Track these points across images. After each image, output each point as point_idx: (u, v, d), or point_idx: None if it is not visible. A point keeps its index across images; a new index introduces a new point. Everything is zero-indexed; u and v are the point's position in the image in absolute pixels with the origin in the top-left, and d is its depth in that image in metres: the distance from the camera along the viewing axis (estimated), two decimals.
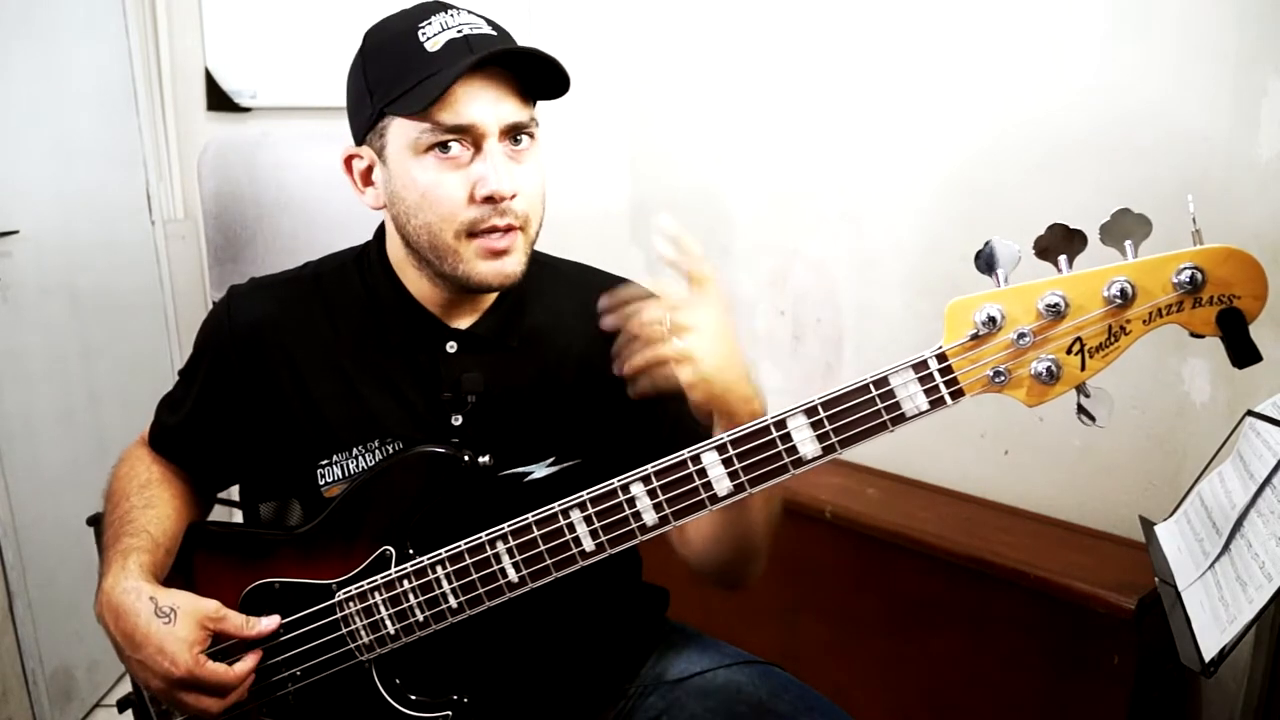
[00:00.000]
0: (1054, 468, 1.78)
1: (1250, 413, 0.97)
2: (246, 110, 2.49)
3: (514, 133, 0.96)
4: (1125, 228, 0.77)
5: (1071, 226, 0.78)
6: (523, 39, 0.98)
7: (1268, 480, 0.88)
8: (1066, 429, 1.72)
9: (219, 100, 2.48)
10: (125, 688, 1.18)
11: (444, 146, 0.93)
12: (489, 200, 0.93)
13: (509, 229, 0.96)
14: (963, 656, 1.66)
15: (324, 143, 1.07)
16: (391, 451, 1.02)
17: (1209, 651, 0.84)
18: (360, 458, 1.03)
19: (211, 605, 0.97)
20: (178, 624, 0.94)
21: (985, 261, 0.81)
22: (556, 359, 1.07)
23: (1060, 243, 0.78)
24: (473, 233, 0.95)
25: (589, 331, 1.08)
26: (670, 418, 1.09)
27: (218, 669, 0.94)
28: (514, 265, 0.98)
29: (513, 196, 0.95)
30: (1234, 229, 1.45)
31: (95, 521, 1.17)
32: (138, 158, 2.41)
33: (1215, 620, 0.86)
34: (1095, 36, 1.65)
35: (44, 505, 1.96)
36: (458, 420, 1.02)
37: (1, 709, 1.86)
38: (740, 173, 2.31)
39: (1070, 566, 1.53)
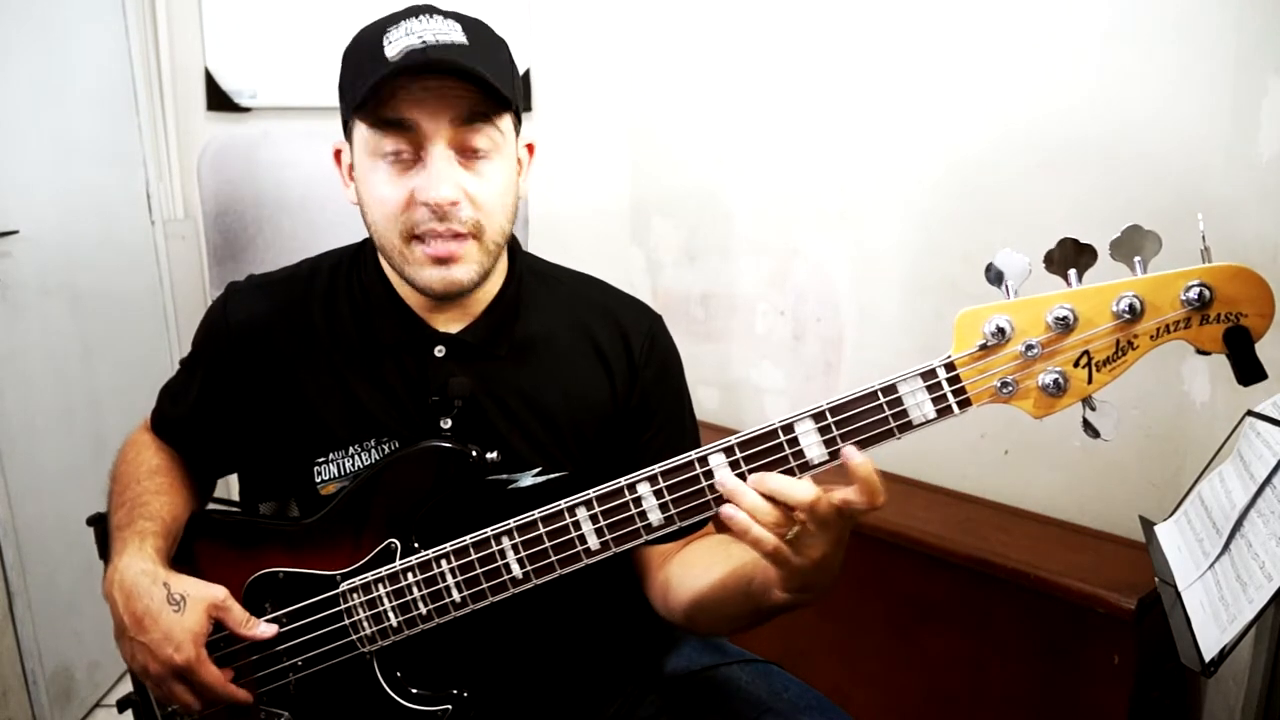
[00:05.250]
0: (1054, 468, 1.78)
1: (1250, 413, 0.97)
2: (246, 110, 2.49)
3: (467, 141, 0.95)
4: (1135, 243, 0.78)
5: (1081, 241, 0.78)
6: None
7: (1268, 480, 0.88)
8: (1066, 430, 1.71)
9: (219, 100, 2.48)
10: (125, 687, 1.18)
11: (395, 153, 0.94)
12: (426, 205, 0.93)
13: (455, 235, 0.95)
14: (963, 656, 1.66)
15: (324, 143, 1.07)
16: (388, 450, 1.03)
17: (1209, 651, 0.84)
18: (356, 456, 1.03)
19: (220, 594, 0.98)
20: (186, 613, 0.95)
21: (995, 274, 0.81)
22: (548, 370, 1.07)
23: (1070, 256, 0.79)
24: (416, 236, 0.95)
25: (583, 345, 1.08)
26: (661, 434, 1.10)
27: (214, 673, 0.96)
28: (464, 273, 0.97)
29: (452, 204, 0.94)
30: (1234, 229, 1.45)
31: (95, 521, 1.17)
32: (138, 158, 2.41)
33: (1215, 620, 0.86)
34: (1095, 37, 1.65)
35: (44, 505, 1.96)
36: (446, 424, 1.02)
37: (1, 709, 1.86)
38: (740, 173, 2.31)
39: (1070, 566, 1.54)
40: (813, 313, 2.20)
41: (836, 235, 2.12)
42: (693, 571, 1.02)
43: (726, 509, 0.83)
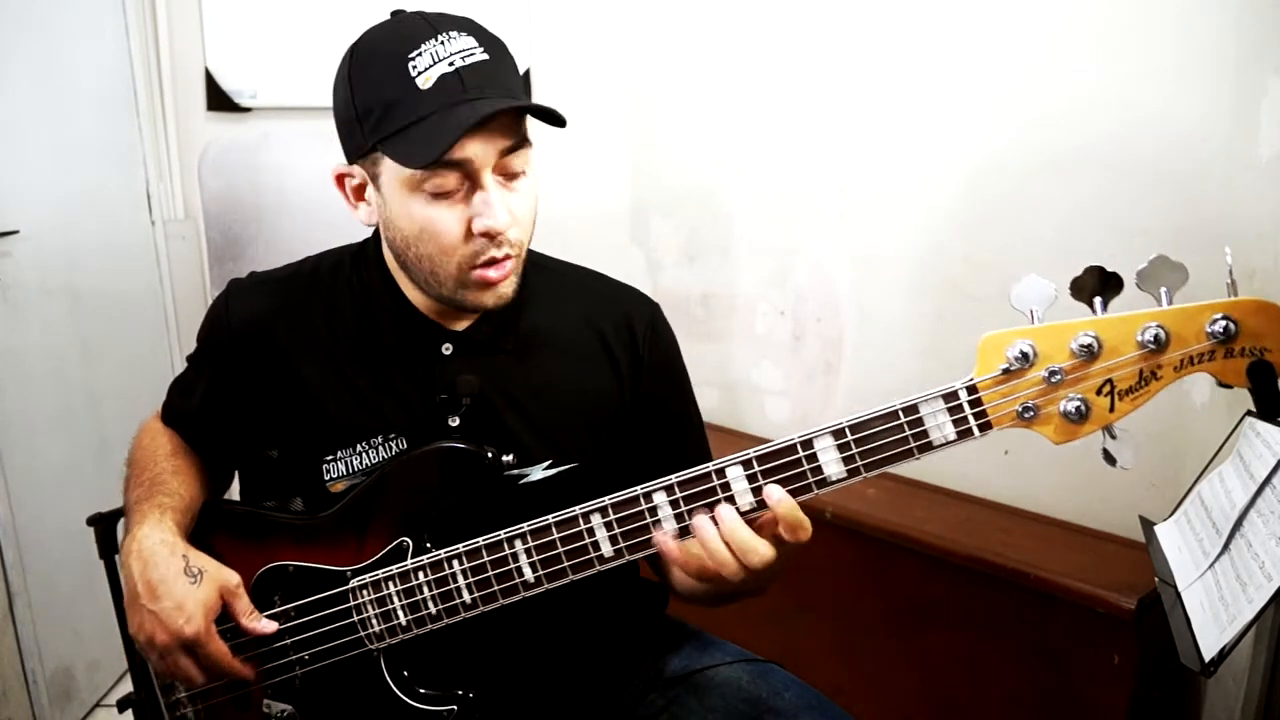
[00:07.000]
0: (1054, 468, 1.77)
1: (1250, 413, 0.97)
2: (246, 110, 2.49)
3: (510, 163, 0.95)
4: (1162, 274, 0.78)
5: (1108, 269, 0.79)
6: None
7: (1267, 480, 0.88)
8: None
9: (219, 100, 2.48)
10: (125, 687, 1.18)
11: (444, 188, 0.93)
12: (486, 235, 0.94)
13: (505, 258, 0.96)
14: (963, 656, 1.66)
15: (324, 143, 1.07)
16: (396, 448, 1.03)
17: (1209, 651, 0.84)
18: (364, 454, 1.03)
19: (234, 579, 0.98)
20: (201, 587, 0.95)
21: (1020, 299, 0.81)
22: (554, 363, 1.07)
23: (1096, 284, 0.79)
24: (474, 265, 0.96)
25: (588, 338, 1.09)
26: (668, 421, 1.11)
27: (222, 647, 0.96)
28: (508, 288, 0.99)
29: (510, 228, 0.95)
30: (1234, 230, 1.45)
31: (95, 521, 1.17)
32: (138, 158, 2.41)
33: (1215, 620, 0.86)
34: (1095, 38, 1.65)
35: (44, 505, 1.96)
36: (454, 422, 1.02)
37: (1, 709, 1.86)
38: (740, 173, 2.31)
39: (1070, 566, 1.54)
40: (813, 313, 2.20)
41: (836, 235, 2.12)
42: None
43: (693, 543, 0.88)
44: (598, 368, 1.09)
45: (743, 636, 1.18)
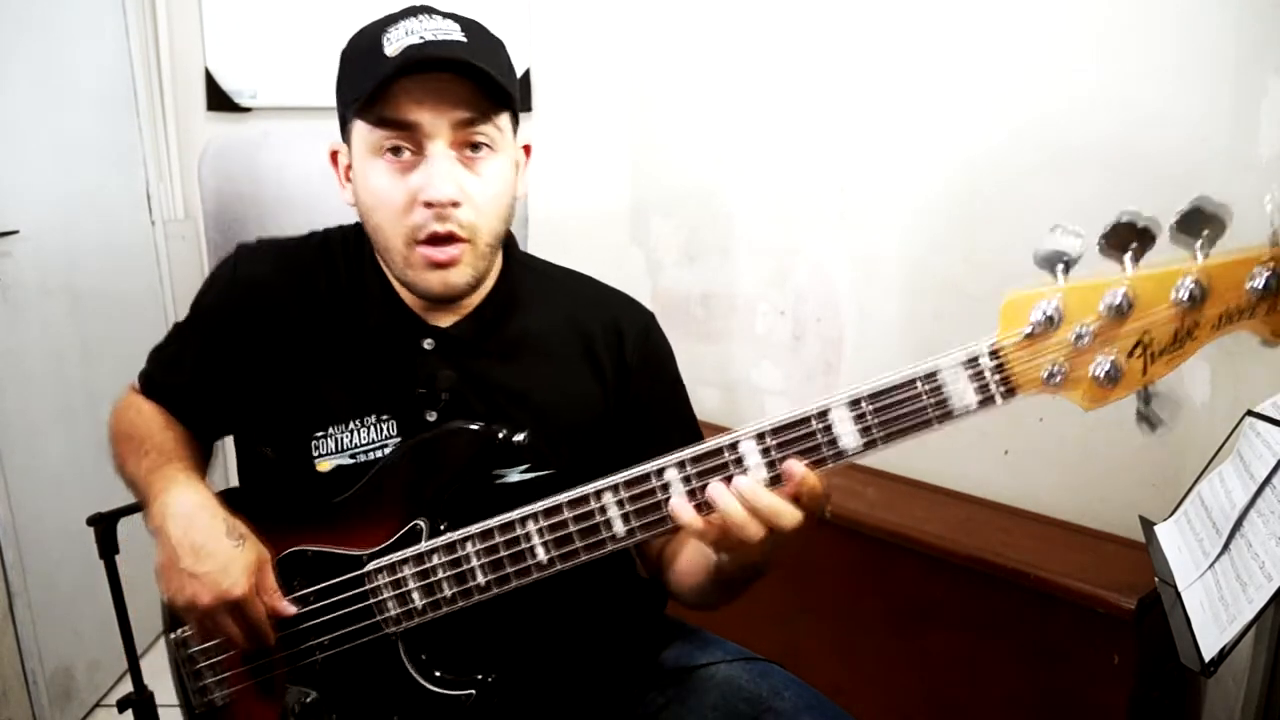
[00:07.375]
0: (1054, 468, 1.78)
1: (1250, 413, 0.97)
2: (246, 110, 2.49)
3: (468, 139, 0.95)
4: (1199, 222, 0.72)
5: (1140, 224, 0.72)
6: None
7: (1268, 480, 0.88)
8: (1066, 429, 1.72)
9: (219, 100, 2.48)
10: (125, 687, 1.18)
11: (395, 150, 0.94)
12: (429, 205, 0.94)
13: (451, 238, 0.96)
14: (963, 656, 1.66)
15: (324, 142, 1.07)
16: (386, 431, 1.03)
17: (1209, 651, 0.84)
18: (356, 432, 1.03)
19: (267, 553, 0.98)
20: (245, 550, 0.95)
21: (1045, 255, 0.75)
22: (537, 367, 1.07)
23: (1127, 239, 0.73)
24: (418, 240, 0.96)
25: (573, 341, 1.08)
26: (659, 432, 1.09)
27: (262, 609, 0.96)
28: (459, 277, 0.98)
29: (454, 204, 0.94)
30: (1234, 230, 1.45)
31: (95, 521, 1.17)
32: (138, 158, 2.41)
33: (1215, 620, 0.86)
34: (1095, 38, 1.65)
35: (44, 505, 1.96)
36: (432, 416, 1.02)
37: (1, 709, 1.86)
38: (740, 173, 2.31)
39: (1070, 566, 1.53)
40: (813, 313, 2.20)
41: (836, 235, 2.12)
42: (690, 558, 1.05)
43: (715, 517, 0.84)
44: (581, 372, 1.08)
45: (743, 636, 1.18)
